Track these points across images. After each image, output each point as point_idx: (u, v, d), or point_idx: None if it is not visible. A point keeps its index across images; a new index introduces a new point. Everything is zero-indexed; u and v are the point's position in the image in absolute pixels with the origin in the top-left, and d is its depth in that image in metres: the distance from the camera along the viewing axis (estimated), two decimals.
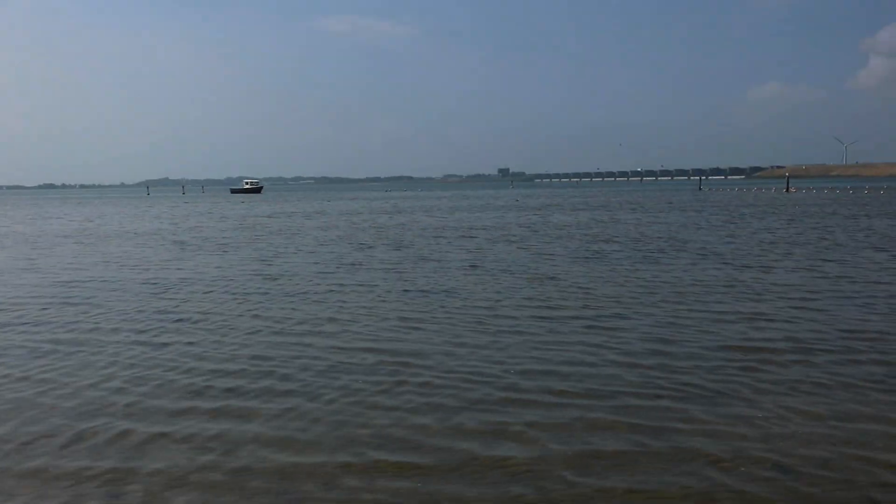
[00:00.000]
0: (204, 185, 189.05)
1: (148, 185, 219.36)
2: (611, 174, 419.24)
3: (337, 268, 17.08)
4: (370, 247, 22.42)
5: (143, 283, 14.81)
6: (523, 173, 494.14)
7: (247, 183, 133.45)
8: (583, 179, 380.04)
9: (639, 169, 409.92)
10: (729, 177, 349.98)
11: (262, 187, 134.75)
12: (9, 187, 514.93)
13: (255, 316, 11.32)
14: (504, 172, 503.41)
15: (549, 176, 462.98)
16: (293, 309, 11.85)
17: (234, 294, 13.41)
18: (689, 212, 41.26)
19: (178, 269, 17.54)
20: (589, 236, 24.85)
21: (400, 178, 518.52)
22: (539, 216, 39.58)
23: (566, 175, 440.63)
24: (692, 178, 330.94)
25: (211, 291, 13.78)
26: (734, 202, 54.51)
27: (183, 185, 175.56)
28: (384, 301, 12.41)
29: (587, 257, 18.32)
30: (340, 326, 10.29)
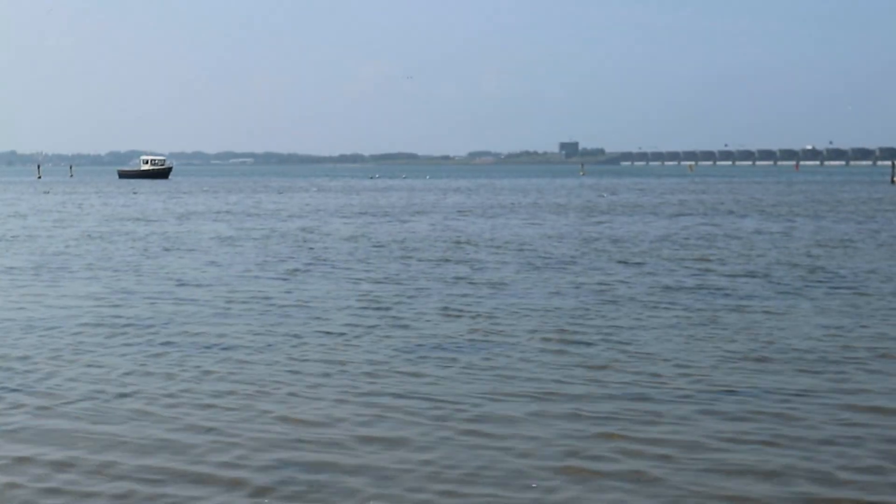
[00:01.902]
0: (73, 164, 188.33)
1: None
2: (747, 154, 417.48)
3: (244, 308, 16.67)
4: (297, 270, 22.29)
5: None
6: (602, 151, 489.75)
7: (146, 162, 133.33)
8: (699, 163, 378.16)
9: (794, 149, 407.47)
10: None
11: (169, 169, 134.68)
12: None
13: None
14: (570, 150, 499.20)
15: (643, 156, 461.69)
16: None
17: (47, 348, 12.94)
18: (864, 220, 40.28)
19: None
20: (675, 260, 24.21)
21: (396, 157, 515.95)
22: (604, 224, 39.00)
23: (672, 155, 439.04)
24: (879, 163, 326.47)
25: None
26: None
27: (39, 164, 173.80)
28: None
29: (660, 301, 17.64)
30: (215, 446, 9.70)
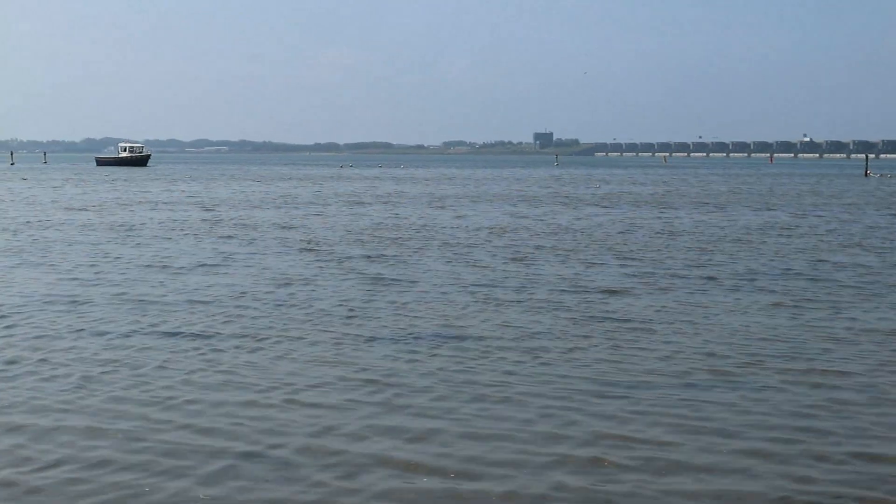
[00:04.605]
0: (47, 151, 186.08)
1: None
2: (721, 146, 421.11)
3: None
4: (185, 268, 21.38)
5: None
6: (576, 141, 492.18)
7: (124, 149, 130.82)
8: (673, 154, 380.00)
9: (769, 141, 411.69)
10: None
11: (147, 156, 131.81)
12: None
13: None
14: (544, 140, 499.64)
15: (617, 147, 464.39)
16: None
17: None
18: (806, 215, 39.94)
19: None
20: (604, 248, 23.66)
21: (371, 146, 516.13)
22: (532, 213, 38.37)
23: (646, 146, 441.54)
24: (853, 156, 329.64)
25: None
26: None
27: (12, 151, 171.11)
28: None
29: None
30: None
